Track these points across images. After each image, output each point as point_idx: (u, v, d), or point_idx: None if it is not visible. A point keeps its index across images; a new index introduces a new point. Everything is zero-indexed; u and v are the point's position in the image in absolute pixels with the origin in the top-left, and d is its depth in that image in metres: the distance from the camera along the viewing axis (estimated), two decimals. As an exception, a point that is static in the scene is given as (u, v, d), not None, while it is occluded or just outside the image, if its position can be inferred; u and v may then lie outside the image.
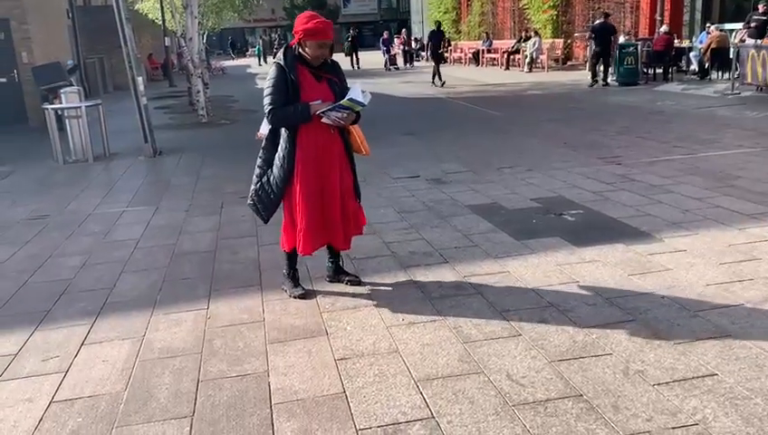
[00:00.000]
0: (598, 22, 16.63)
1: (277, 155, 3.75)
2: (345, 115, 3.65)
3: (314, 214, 3.76)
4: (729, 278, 3.90)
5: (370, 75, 24.03)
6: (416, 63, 29.87)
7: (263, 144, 3.85)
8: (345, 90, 3.75)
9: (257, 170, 3.84)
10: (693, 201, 5.58)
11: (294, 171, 3.71)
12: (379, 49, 29.64)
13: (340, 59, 23.11)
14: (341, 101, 3.61)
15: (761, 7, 14.03)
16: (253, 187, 3.86)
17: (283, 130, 3.73)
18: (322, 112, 3.61)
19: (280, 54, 3.70)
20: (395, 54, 28.98)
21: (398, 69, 27.87)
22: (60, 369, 3.25)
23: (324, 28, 3.59)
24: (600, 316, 3.48)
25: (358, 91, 3.63)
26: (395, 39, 32.19)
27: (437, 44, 19.74)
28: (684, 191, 5.92)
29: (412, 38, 32.67)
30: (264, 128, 3.87)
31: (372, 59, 31.15)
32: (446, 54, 26.16)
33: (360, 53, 30.05)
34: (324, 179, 3.75)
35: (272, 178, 3.76)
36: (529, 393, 2.79)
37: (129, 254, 5.04)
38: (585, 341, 3.21)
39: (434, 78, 19.18)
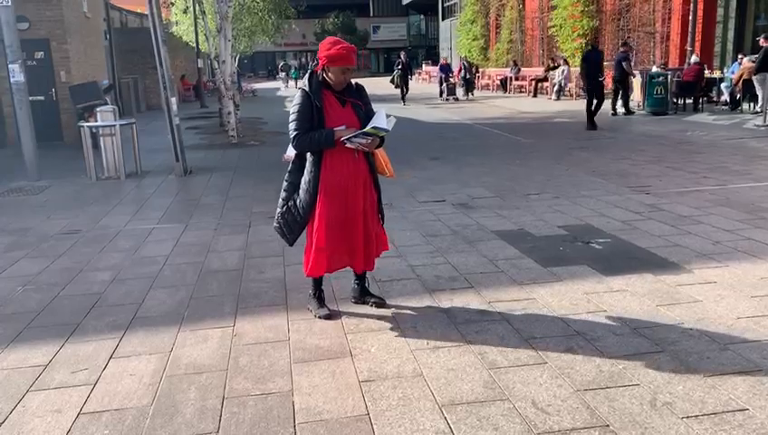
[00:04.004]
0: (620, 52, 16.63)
1: (303, 178, 3.79)
2: (369, 141, 3.68)
3: (333, 237, 3.77)
4: (761, 312, 3.83)
5: (415, 102, 22.87)
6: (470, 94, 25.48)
7: (289, 167, 3.89)
8: (370, 113, 3.79)
9: (283, 193, 3.88)
10: (723, 233, 5.50)
11: (319, 194, 3.75)
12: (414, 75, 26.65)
13: (389, 90, 22.62)
14: (365, 129, 3.63)
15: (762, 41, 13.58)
16: (279, 209, 3.90)
17: (308, 153, 3.78)
18: (346, 138, 3.65)
19: (305, 80, 3.78)
20: (455, 84, 24.74)
21: (457, 99, 23.77)
22: (88, 381, 3.30)
23: (347, 54, 3.64)
24: (628, 347, 3.44)
25: (382, 117, 3.66)
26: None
27: (596, 69, 13.22)
28: (714, 222, 5.84)
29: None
30: (291, 151, 3.91)
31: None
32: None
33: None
34: (348, 202, 3.77)
35: (298, 202, 3.80)
36: (554, 422, 2.76)
37: (158, 270, 5.12)
38: (612, 371, 3.18)
39: (592, 118, 13.27)
